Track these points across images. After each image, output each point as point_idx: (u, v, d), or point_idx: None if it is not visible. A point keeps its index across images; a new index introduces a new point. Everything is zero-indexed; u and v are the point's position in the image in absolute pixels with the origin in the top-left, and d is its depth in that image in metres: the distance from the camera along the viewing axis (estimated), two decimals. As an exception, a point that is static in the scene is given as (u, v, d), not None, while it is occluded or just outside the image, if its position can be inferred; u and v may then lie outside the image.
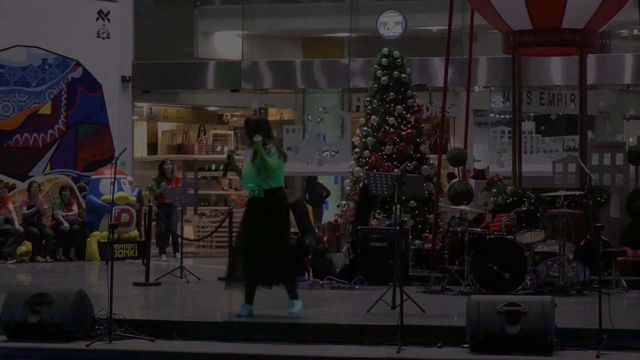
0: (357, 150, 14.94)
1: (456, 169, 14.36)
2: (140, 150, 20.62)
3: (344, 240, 13.20)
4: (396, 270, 9.33)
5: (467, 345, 7.74)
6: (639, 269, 12.19)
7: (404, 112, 14.66)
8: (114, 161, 8.81)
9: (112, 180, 10.17)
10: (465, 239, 11.15)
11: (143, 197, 17.96)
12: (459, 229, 11.45)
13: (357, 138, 15.16)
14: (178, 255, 16.35)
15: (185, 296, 11.62)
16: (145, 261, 12.61)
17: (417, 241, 13.21)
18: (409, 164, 11.80)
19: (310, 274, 12.37)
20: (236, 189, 21.87)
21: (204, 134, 21.41)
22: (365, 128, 14.81)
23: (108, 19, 18.30)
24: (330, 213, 15.25)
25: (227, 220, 13.63)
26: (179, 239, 14.81)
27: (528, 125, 18.57)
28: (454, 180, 14.56)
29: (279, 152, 9.05)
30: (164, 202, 15.82)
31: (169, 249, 16.87)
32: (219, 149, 21.36)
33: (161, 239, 16.75)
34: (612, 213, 13.44)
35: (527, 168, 14.63)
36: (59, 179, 17.74)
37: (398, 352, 7.64)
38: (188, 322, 8.76)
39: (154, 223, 15.39)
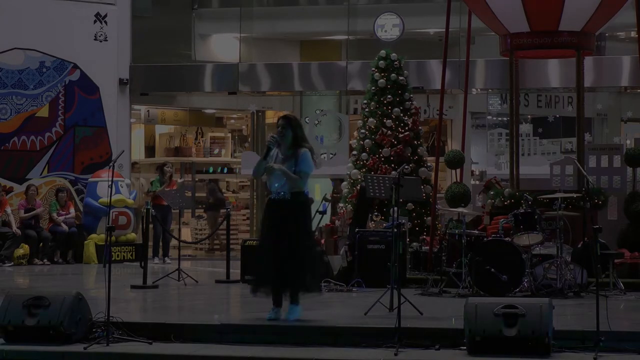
0: (354, 152, 14.93)
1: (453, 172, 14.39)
2: (138, 153, 20.61)
3: (341, 242, 13.19)
4: (394, 273, 9.33)
5: (465, 348, 7.74)
6: (637, 271, 12.22)
7: (402, 115, 14.67)
8: (111, 164, 8.81)
9: (110, 183, 10.18)
10: (463, 241, 11.15)
11: (140, 199, 17.93)
12: (457, 231, 11.46)
13: (355, 140, 15.15)
14: (168, 260, 16.34)
15: (182, 299, 11.61)
16: (142, 264, 12.61)
17: (414, 243, 13.21)
18: (406, 167, 11.81)
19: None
20: (234, 192, 21.86)
21: (202, 137, 21.39)
22: (362, 130, 14.81)
23: (105, 22, 18.28)
24: (327, 216, 15.21)
25: (225, 223, 13.62)
26: (177, 243, 14.75)
27: (525, 128, 18.59)
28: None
29: (312, 157, 8.82)
30: (161, 204, 15.81)
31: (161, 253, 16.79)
32: (216, 151, 21.37)
33: (156, 241, 16.71)
34: (610, 215, 13.45)
35: (525, 170, 14.66)
36: (56, 182, 17.72)
37: (396, 354, 7.64)
38: (185, 324, 8.75)
39: (151, 225, 15.36)
